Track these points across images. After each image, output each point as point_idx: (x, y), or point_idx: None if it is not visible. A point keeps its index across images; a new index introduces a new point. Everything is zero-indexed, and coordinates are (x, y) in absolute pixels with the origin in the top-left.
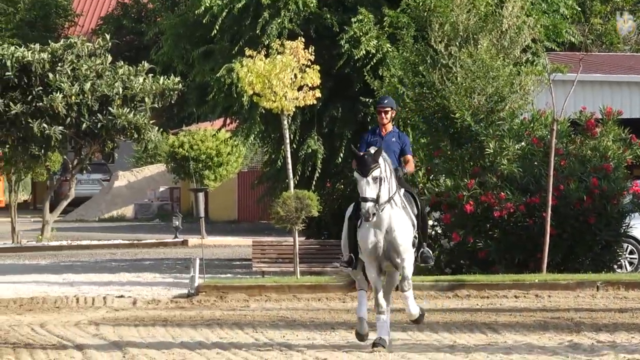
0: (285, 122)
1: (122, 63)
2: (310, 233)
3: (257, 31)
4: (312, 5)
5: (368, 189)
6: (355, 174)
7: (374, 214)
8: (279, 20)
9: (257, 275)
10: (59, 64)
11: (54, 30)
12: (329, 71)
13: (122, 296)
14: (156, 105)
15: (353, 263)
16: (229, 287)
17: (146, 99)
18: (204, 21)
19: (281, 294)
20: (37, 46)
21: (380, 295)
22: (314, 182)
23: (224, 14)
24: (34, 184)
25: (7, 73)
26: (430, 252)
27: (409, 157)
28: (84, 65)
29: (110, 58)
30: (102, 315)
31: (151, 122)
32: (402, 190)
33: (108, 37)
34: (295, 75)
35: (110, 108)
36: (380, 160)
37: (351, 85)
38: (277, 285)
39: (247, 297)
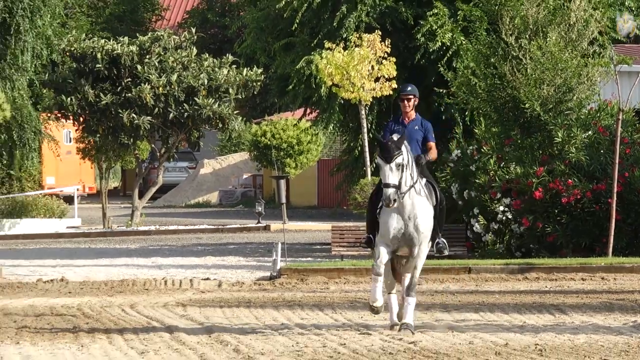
0: (363, 112)
1: (207, 55)
2: None
3: (336, 24)
4: None
5: (391, 175)
6: (379, 160)
7: (394, 200)
8: (356, 14)
9: (336, 259)
10: (147, 57)
11: (142, 24)
12: (405, 63)
13: (207, 279)
14: (240, 96)
15: (372, 243)
16: (310, 270)
17: (230, 90)
18: (284, 15)
19: (359, 277)
20: (126, 39)
21: (386, 258)
22: None
23: (304, 8)
24: (123, 171)
25: (97, 65)
26: (446, 242)
27: (432, 144)
28: (170, 57)
29: (195, 50)
30: (189, 297)
31: (235, 112)
32: (424, 180)
33: (194, 30)
34: (373, 67)
35: (196, 98)
36: (403, 147)
37: (426, 76)
38: (355, 268)
39: (326, 279)
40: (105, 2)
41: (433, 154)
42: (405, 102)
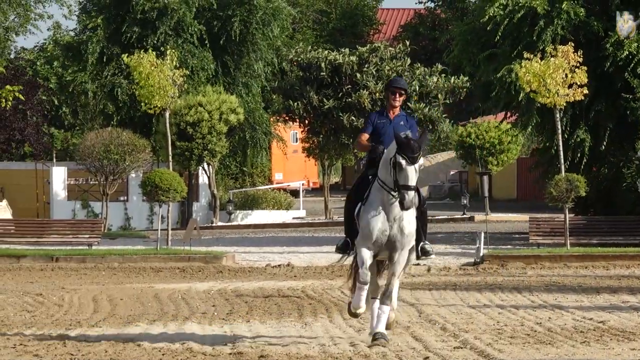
0: (558, 115)
1: (418, 65)
2: (579, 210)
3: (534, 37)
4: (581, 14)
5: (414, 177)
6: (401, 159)
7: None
8: (553, 28)
9: (533, 247)
10: (365, 66)
11: (361, 37)
12: (595, 71)
13: (417, 264)
14: (447, 101)
15: (348, 248)
16: (509, 256)
17: (439, 95)
18: (487, 28)
19: (554, 263)
20: (347, 50)
21: (368, 265)
22: (581, 167)
23: (506, 22)
24: (343, 168)
25: (321, 73)
26: (431, 246)
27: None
28: (386, 66)
29: (408, 60)
30: (401, 281)
31: (443, 115)
32: None
33: (407, 43)
34: (566, 75)
35: (408, 103)
36: None
37: (613, 83)
38: (550, 255)
39: (524, 265)
40: (329, 17)
41: None
42: (397, 95)
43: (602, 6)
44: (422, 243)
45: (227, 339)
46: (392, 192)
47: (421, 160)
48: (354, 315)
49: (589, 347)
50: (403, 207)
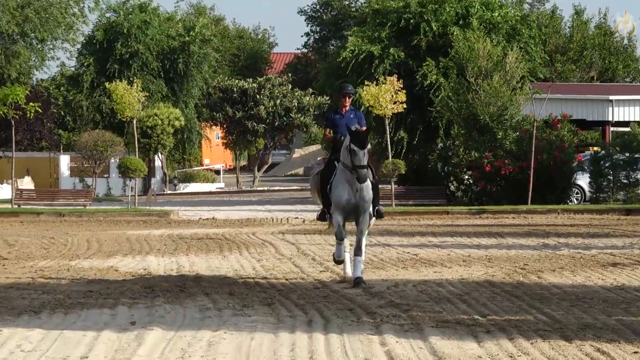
0: (387, 122)
1: (297, 89)
2: (400, 183)
3: (372, 71)
4: (401, 56)
5: (364, 159)
6: (354, 147)
7: (367, 178)
8: (384, 65)
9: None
10: (262, 90)
11: (260, 71)
12: (411, 93)
13: (296, 218)
14: (316, 112)
15: (325, 216)
16: None
17: (310, 109)
18: (342, 65)
19: (385, 216)
20: (251, 80)
21: (343, 225)
22: (402, 155)
23: (353, 61)
24: (249, 155)
25: (234, 95)
26: (383, 208)
27: (364, 128)
28: (276, 90)
29: (290, 86)
30: (286, 229)
31: (313, 121)
32: None
33: (290, 75)
34: (392, 95)
35: (290, 114)
36: None
37: (422, 100)
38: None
39: None
40: (239, 58)
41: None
42: (347, 98)
43: (415, 51)
44: (377, 207)
45: (173, 265)
46: (352, 171)
47: (369, 146)
48: (338, 262)
49: (406, 271)
50: (360, 181)
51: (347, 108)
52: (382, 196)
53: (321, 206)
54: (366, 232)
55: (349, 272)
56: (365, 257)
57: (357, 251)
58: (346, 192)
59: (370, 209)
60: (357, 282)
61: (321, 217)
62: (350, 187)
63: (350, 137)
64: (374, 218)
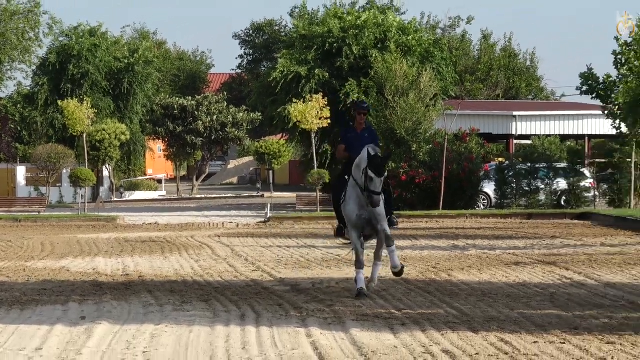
0: (313, 135)
1: (232, 106)
2: (324, 190)
3: (299, 90)
4: (326, 77)
5: (380, 185)
6: (371, 173)
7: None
8: (310, 84)
9: (298, 211)
10: (200, 107)
11: (198, 90)
12: (334, 110)
13: (231, 222)
14: (249, 127)
15: (343, 231)
16: (284, 217)
17: (244, 124)
18: (272, 85)
19: (311, 221)
20: (190, 98)
21: (361, 251)
22: (326, 165)
23: (283, 80)
24: (188, 166)
25: (174, 111)
26: (396, 218)
27: (377, 148)
28: (213, 107)
29: (225, 103)
30: (222, 232)
31: (246, 135)
32: None
33: (225, 93)
34: (318, 112)
35: (226, 129)
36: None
37: (344, 116)
38: (309, 216)
39: (293, 222)
40: (179, 78)
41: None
42: (362, 115)
43: (338, 72)
44: (389, 216)
45: (120, 266)
46: (364, 192)
47: (385, 173)
48: (358, 294)
49: (330, 270)
50: (372, 206)
51: (362, 126)
52: (308, 202)
53: (337, 222)
54: (381, 254)
55: (362, 285)
56: (294, 258)
57: (389, 242)
58: (357, 208)
59: (386, 224)
60: (399, 272)
61: (339, 232)
62: (361, 203)
63: (368, 161)
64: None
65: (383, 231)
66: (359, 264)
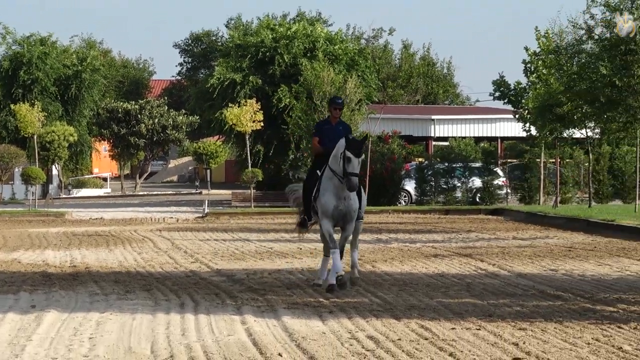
0: (247, 137)
1: (172, 110)
2: (258, 187)
3: (234, 95)
4: (259, 83)
5: (358, 167)
6: (349, 154)
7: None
8: (245, 90)
9: (233, 207)
10: (143, 110)
11: (141, 95)
12: (268, 113)
13: (171, 217)
14: (188, 129)
15: (306, 223)
16: (221, 213)
17: (183, 126)
18: (210, 90)
19: (245, 216)
20: (133, 102)
21: (333, 233)
22: (259, 164)
23: (219, 87)
24: (131, 165)
25: (119, 115)
26: (363, 215)
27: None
28: (154, 110)
29: (166, 107)
30: (162, 226)
31: (185, 137)
32: None
33: (166, 98)
34: (252, 115)
35: (167, 131)
36: None
37: (277, 119)
38: (243, 212)
39: (229, 217)
40: (123, 84)
41: None
42: (338, 110)
43: (271, 78)
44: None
45: (68, 258)
46: (342, 179)
47: (363, 155)
48: (329, 289)
49: (263, 261)
50: (350, 189)
51: (337, 120)
52: (243, 199)
53: (302, 215)
54: (357, 243)
55: (325, 275)
56: (230, 250)
57: (356, 244)
58: (334, 200)
59: (356, 216)
60: (331, 288)
61: (302, 224)
62: (338, 195)
63: (345, 144)
64: (360, 225)
65: (348, 230)
66: (333, 244)
